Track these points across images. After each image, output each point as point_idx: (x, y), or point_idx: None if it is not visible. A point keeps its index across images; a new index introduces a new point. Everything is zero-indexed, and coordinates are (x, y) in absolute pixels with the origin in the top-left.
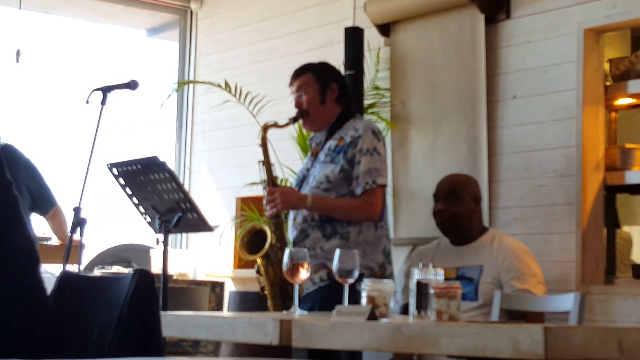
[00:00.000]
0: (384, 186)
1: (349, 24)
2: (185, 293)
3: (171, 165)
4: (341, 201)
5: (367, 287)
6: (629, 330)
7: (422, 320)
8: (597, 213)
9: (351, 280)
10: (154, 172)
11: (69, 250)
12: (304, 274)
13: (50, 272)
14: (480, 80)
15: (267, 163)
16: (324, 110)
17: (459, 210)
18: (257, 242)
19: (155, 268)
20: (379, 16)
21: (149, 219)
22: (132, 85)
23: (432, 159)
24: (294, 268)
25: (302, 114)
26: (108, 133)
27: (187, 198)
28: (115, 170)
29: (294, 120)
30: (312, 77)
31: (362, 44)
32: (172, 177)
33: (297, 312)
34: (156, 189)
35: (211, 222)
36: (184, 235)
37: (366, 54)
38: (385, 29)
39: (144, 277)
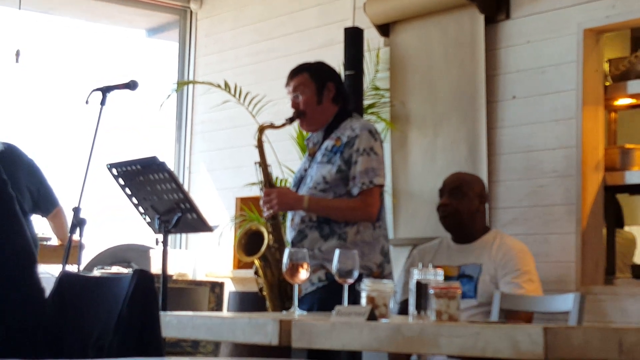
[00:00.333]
0: (381, 186)
1: (349, 24)
2: (185, 293)
3: (171, 165)
4: (338, 202)
5: (366, 288)
6: (628, 330)
7: (422, 320)
8: (597, 213)
9: (351, 281)
10: (154, 172)
11: (69, 250)
12: (303, 274)
13: (49, 272)
14: (479, 80)
15: (263, 164)
16: (320, 110)
17: (462, 206)
18: (255, 243)
19: (155, 268)
20: (378, 16)
21: (148, 219)
22: (131, 85)
23: (431, 159)
24: (294, 268)
25: (299, 114)
26: (108, 133)
27: (186, 198)
28: (114, 171)
29: (291, 120)
30: (309, 77)
31: (362, 44)
32: (172, 177)
33: (296, 313)
34: (156, 189)
35: (211, 222)
36: (184, 235)
37: (366, 54)
38: (384, 29)
39: (143, 277)
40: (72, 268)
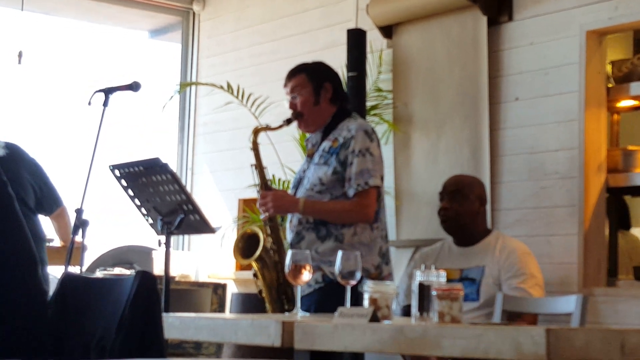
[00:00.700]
0: (378, 187)
1: (352, 25)
2: (187, 295)
3: (173, 166)
4: (333, 204)
5: (369, 289)
6: (631, 332)
7: (425, 322)
8: (599, 215)
9: (353, 282)
10: (156, 173)
11: (71, 251)
12: (306, 275)
13: (52, 273)
14: (482, 82)
15: (259, 166)
16: (318, 111)
17: (462, 209)
18: (252, 246)
19: (157, 270)
20: (381, 18)
21: (151, 221)
22: (134, 86)
23: (434, 160)
24: (296, 270)
25: (297, 116)
26: (110, 135)
27: (189, 200)
28: (117, 172)
29: (288, 122)
30: (306, 77)
31: (365, 45)
32: (174, 179)
33: (299, 314)
34: (158, 191)
35: (213, 223)
36: (186, 236)
37: (369, 55)
38: (387, 30)
39: (146, 278)
40: (74, 269)
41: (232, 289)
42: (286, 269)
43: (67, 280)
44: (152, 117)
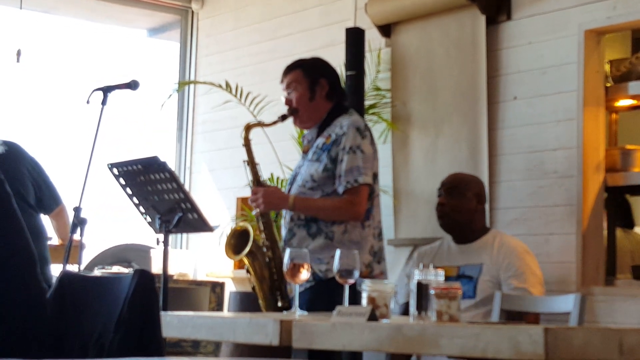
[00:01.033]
0: (368, 185)
1: (350, 24)
2: (186, 293)
3: (172, 165)
4: (323, 201)
5: (367, 288)
6: (629, 331)
7: (423, 320)
8: (598, 214)
9: (352, 281)
10: (155, 172)
11: (69, 250)
12: (304, 274)
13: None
14: (481, 81)
15: (251, 163)
16: (313, 107)
17: (459, 206)
18: (244, 242)
19: (156, 268)
20: (380, 17)
21: (149, 219)
22: (132, 85)
23: (432, 159)
24: (295, 269)
25: (292, 112)
26: (109, 133)
27: (187, 198)
28: (115, 170)
29: (283, 118)
30: (302, 73)
31: (363, 44)
32: (173, 177)
33: (297, 313)
34: (156, 189)
35: (211, 222)
36: (184, 235)
37: (367, 54)
38: (386, 29)
39: (144, 277)
40: (72, 268)
41: (230, 288)
42: (284, 268)
43: (65, 278)
44: (150, 116)
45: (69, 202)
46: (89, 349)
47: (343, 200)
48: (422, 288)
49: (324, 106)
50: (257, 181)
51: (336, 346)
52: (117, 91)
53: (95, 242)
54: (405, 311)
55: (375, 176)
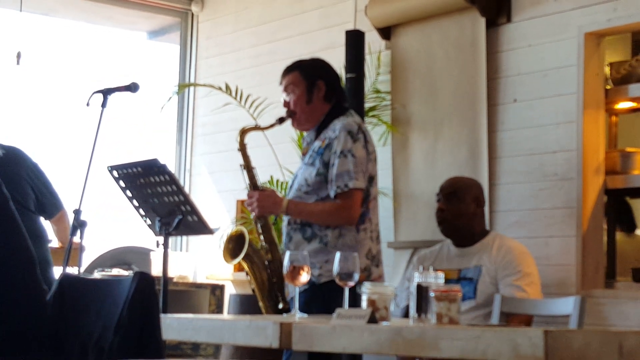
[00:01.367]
0: (360, 189)
1: (350, 27)
2: (186, 296)
3: (171, 167)
4: (315, 206)
5: (367, 291)
6: (629, 334)
7: (423, 323)
8: (598, 216)
9: (351, 283)
10: (155, 174)
11: (69, 252)
12: (304, 277)
13: None
14: (481, 83)
15: (247, 167)
16: (311, 109)
17: (458, 211)
18: (242, 246)
19: (156, 271)
20: (379, 19)
21: (149, 222)
22: (132, 87)
23: (432, 162)
24: (295, 271)
25: (289, 114)
26: (109, 136)
27: (187, 201)
28: (115, 173)
29: (281, 120)
30: (299, 75)
31: (363, 47)
32: (173, 180)
33: (297, 315)
34: (156, 192)
35: (211, 224)
36: (184, 237)
37: (367, 57)
38: (386, 32)
39: (144, 279)
40: (72, 270)
41: (230, 290)
42: (284, 270)
43: (65, 280)
44: (150, 118)
45: (68, 204)
46: (89, 351)
47: (335, 205)
48: (422, 290)
49: (322, 108)
50: (253, 185)
51: (336, 348)
52: (117, 93)
53: (95, 244)
54: (406, 315)
55: (371, 179)
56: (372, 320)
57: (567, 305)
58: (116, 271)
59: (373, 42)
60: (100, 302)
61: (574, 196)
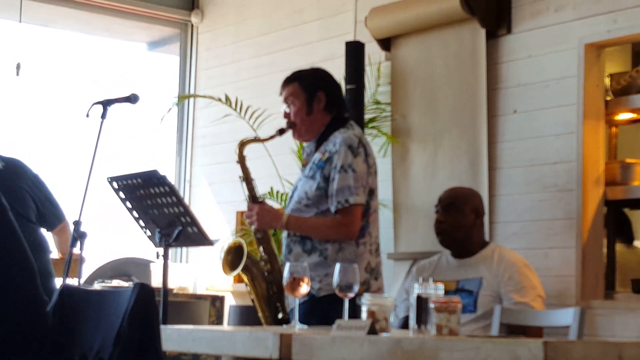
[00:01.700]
0: (360, 204)
1: (350, 38)
2: (186, 307)
3: (171, 179)
4: (315, 221)
5: (367, 302)
6: (628, 345)
7: (422, 334)
8: (597, 228)
9: (351, 295)
10: (154, 185)
11: (69, 263)
12: (304, 288)
13: None
14: (481, 94)
15: (246, 179)
16: (311, 121)
17: (457, 222)
18: (240, 258)
19: (155, 282)
20: (379, 31)
21: (149, 233)
22: (132, 99)
23: (432, 173)
24: (295, 282)
25: (290, 126)
26: (108, 147)
27: (187, 212)
28: (115, 184)
29: (281, 132)
30: (299, 86)
31: (363, 58)
32: (172, 191)
33: (297, 326)
34: (156, 203)
35: (211, 236)
36: (184, 249)
37: (367, 68)
38: (386, 43)
39: (144, 290)
40: (72, 281)
41: (230, 302)
42: (284, 282)
43: (66, 292)
44: (150, 129)
45: (69, 215)
46: None
47: (335, 220)
48: (421, 302)
49: (323, 119)
50: (252, 197)
51: (336, 359)
52: (116, 105)
53: (95, 255)
54: (405, 325)
55: (371, 192)
56: (372, 331)
57: (566, 316)
58: (116, 282)
59: (373, 53)
60: (101, 314)
61: (573, 207)
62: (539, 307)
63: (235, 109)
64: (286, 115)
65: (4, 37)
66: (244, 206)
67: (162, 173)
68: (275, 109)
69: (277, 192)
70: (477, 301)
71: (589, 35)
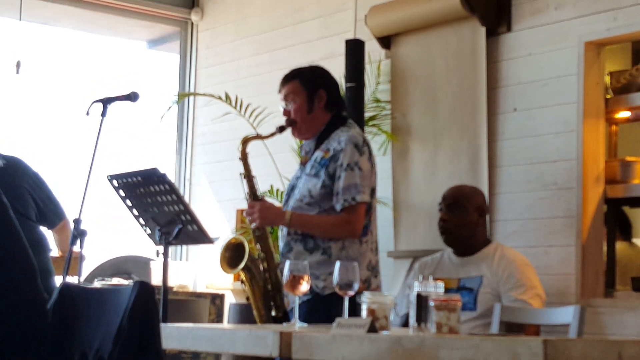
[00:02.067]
0: (366, 203)
1: (350, 36)
2: (186, 305)
3: (171, 177)
4: (319, 218)
5: (367, 300)
6: (628, 343)
7: (422, 332)
8: (597, 226)
9: (351, 293)
10: (154, 184)
11: (69, 261)
12: (304, 286)
13: None
14: (481, 92)
15: (248, 176)
16: (312, 118)
17: (461, 221)
18: (239, 255)
19: (156, 280)
20: (379, 29)
21: (149, 231)
22: (132, 97)
23: (432, 171)
24: (295, 280)
25: (290, 123)
26: (108, 145)
27: (187, 210)
28: (115, 182)
29: (281, 129)
30: (299, 84)
31: (363, 56)
32: (173, 189)
33: (297, 324)
34: (156, 201)
35: (211, 234)
36: (184, 247)
37: (367, 66)
38: (386, 41)
39: (144, 289)
40: (72, 279)
41: (230, 300)
42: (284, 280)
43: (65, 290)
44: (150, 128)
45: (69, 213)
46: None
47: (340, 218)
48: (421, 300)
49: (323, 117)
50: (253, 195)
51: (336, 358)
52: (116, 103)
53: (95, 253)
54: (405, 323)
55: (373, 191)
56: (372, 329)
57: (566, 315)
58: (116, 280)
59: (373, 51)
60: (100, 312)
61: (573, 205)
62: (538, 305)
63: (235, 107)
64: (286, 112)
65: (4, 35)
66: (244, 204)
67: (162, 171)
68: (275, 107)
69: (277, 190)
70: (477, 299)
71: (589, 33)
